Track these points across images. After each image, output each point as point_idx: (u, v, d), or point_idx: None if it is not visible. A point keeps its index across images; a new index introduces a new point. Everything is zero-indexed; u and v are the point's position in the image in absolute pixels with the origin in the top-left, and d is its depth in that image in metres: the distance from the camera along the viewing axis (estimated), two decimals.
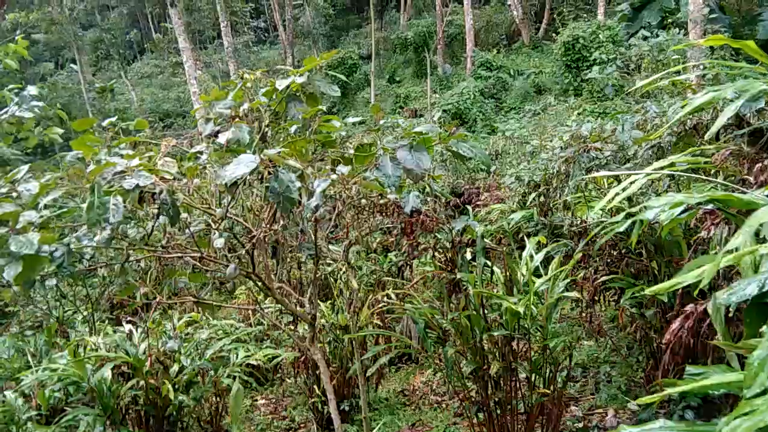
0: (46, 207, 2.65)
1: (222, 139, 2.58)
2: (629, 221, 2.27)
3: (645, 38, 10.20)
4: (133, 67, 37.08)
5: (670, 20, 16.43)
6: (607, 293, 5.70)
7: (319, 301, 5.93)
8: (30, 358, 5.88)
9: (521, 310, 3.30)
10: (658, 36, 9.80)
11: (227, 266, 2.99)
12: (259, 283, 3.07)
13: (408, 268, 4.18)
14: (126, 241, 2.65)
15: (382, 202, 3.59)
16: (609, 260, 5.31)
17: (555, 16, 25.62)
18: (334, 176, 2.47)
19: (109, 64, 35.49)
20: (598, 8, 23.43)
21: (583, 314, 6.63)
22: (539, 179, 5.34)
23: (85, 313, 7.34)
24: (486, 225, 7.54)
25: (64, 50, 32.96)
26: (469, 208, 9.08)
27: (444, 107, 21.40)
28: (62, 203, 2.82)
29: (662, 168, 2.26)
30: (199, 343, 5.47)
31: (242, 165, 2.43)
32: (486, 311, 3.86)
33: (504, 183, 9.77)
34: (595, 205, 6.39)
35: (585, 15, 24.42)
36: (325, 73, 3.52)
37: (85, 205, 2.15)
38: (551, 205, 6.89)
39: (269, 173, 2.61)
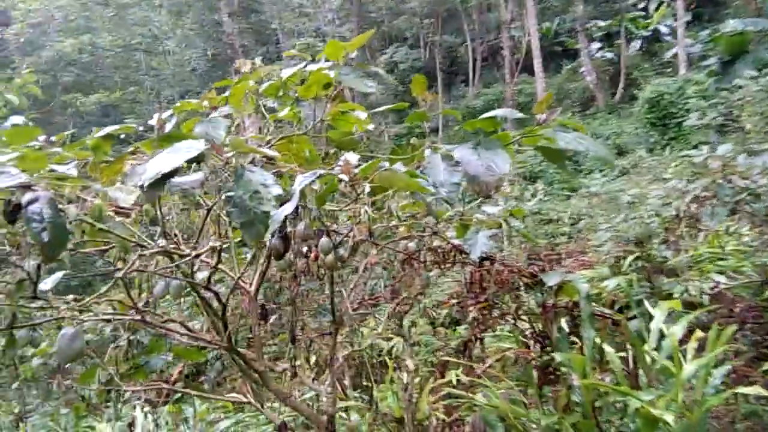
0: None
1: (154, 119, 1.56)
2: None
3: (754, 78, 8.77)
4: None
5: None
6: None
7: (374, 382, 4.76)
8: None
9: (671, 419, 1.96)
10: None
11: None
12: (242, 363, 1.95)
13: (477, 342, 2.95)
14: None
15: (436, 244, 2.44)
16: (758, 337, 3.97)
17: (637, 72, 24.33)
18: (337, 170, 1.37)
19: None
20: (679, 68, 22.05)
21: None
22: (657, 226, 4.00)
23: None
24: None
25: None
26: None
27: (517, 170, 20.19)
28: None
29: None
30: None
31: (178, 153, 1.39)
32: (600, 413, 2.52)
33: (592, 245, 8.34)
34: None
35: (667, 75, 23.04)
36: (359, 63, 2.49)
37: None
38: (662, 268, 5.48)
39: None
